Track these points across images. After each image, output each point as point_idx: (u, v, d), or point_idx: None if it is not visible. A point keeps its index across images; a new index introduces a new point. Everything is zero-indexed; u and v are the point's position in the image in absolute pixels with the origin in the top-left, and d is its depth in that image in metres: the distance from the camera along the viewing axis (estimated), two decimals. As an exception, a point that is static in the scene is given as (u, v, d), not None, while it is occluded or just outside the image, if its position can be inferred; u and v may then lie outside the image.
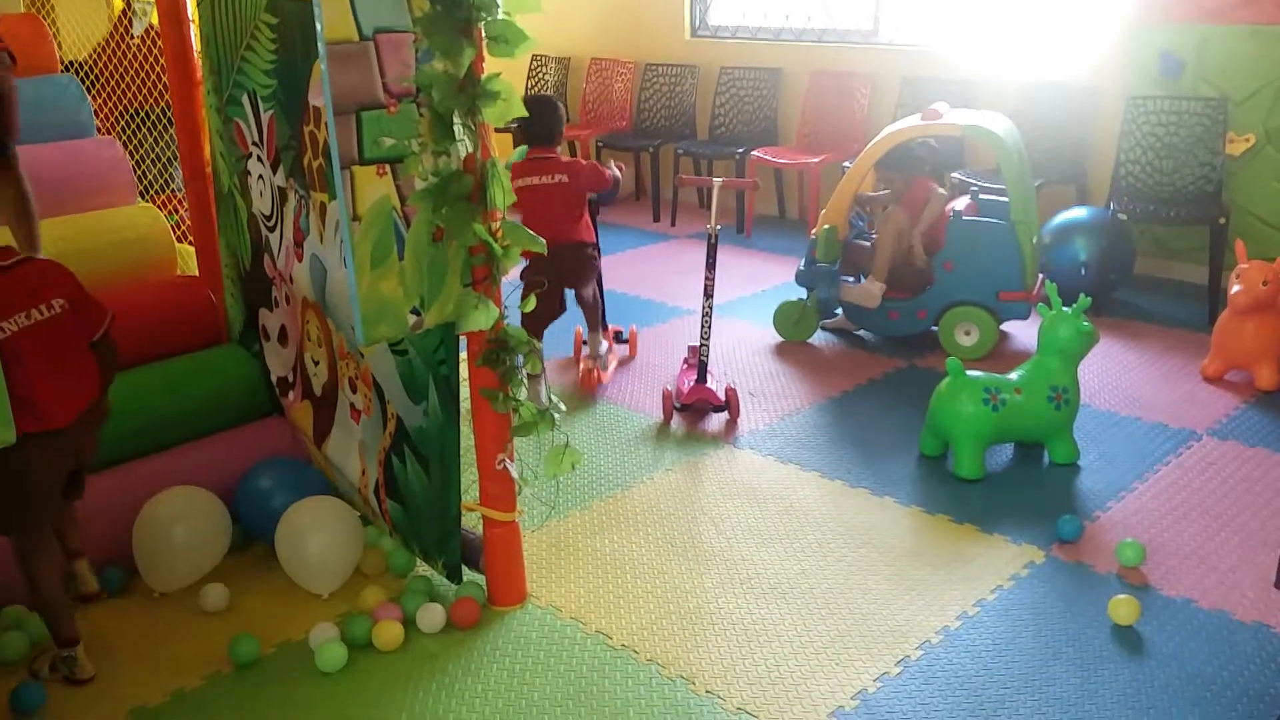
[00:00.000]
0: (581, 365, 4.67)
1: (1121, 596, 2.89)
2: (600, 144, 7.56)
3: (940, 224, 4.79)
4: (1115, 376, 4.52)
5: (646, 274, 6.08)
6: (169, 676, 2.74)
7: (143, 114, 5.24)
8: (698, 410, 4.21)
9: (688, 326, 5.16)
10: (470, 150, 2.55)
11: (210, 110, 3.43)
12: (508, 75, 2.57)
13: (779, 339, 5.01)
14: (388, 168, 2.55)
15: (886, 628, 2.88)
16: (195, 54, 3.47)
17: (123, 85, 5.22)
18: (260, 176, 3.19)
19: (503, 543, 2.97)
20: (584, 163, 4.59)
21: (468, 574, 3.06)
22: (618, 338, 5.00)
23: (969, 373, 3.68)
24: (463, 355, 2.82)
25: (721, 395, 4.16)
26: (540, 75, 8.20)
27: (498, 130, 2.82)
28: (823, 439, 4.00)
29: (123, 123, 5.26)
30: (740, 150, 6.91)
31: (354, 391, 3.12)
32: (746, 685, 2.67)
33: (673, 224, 7.13)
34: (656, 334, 5.16)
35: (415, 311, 2.63)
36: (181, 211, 4.52)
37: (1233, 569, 3.12)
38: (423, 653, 2.82)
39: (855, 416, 4.22)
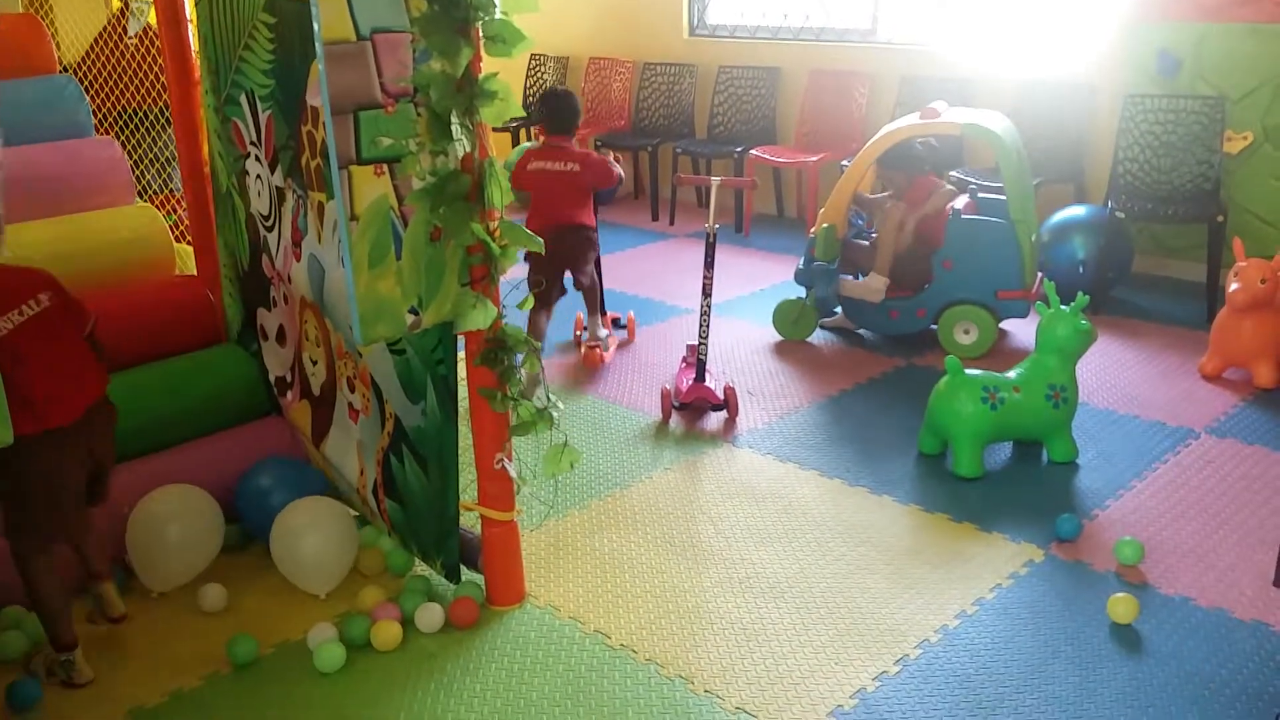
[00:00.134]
0: (583, 348, 4.83)
1: (1120, 595, 2.90)
2: (599, 143, 7.55)
3: (940, 222, 4.78)
4: (1113, 375, 4.52)
5: (645, 273, 6.08)
6: (167, 676, 2.74)
7: (140, 114, 5.24)
8: (696, 409, 4.21)
9: (686, 325, 5.16)
10: (468, 150, 2.55)
11: (208, 110, 3.42)
12: (506, 75, 2.57)
13: (778, 338, 5.01)
14: (385, 167, 2.55)
15: (885, 626, 2.88)
16: (193, 54, 3.46)
17: (120, 86, 5.22)
18: (258, 176, 3.19)
19: (501, 542, 2.97)
20: (596, 156, 4.84)
21: (466, 573, 3.06)
22: (615, 324, 5.14)
23: (968, 371, 3.68)
24: (461, 355, 2.82)
25: (720, 394, 4.16)
26: (539, 75, 8.20)
27: (495, 130, 2.82)
28: (821, 438, 4.00)
29: (119, 124, 5.26)
30: (739, 149, 6.91)
31: (352, 391, 3.12)
32: (745, 685, 2.67)
33: (671, 223, 7.13)
34: (655, 333, 5.16)
35: (413, 311, 2.63)
36: (180, 211, 4.51)
37: (1231, 567, 3.12)
38: (421, 652, 2.82)
39: (854, 415, 4.22)
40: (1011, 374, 3.70)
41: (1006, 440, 3.81)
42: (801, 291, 5.02)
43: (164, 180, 5.25)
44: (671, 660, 2.76)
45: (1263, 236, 5.31)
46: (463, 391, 2.82)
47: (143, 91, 5.18)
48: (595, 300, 4.91)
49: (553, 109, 4.85)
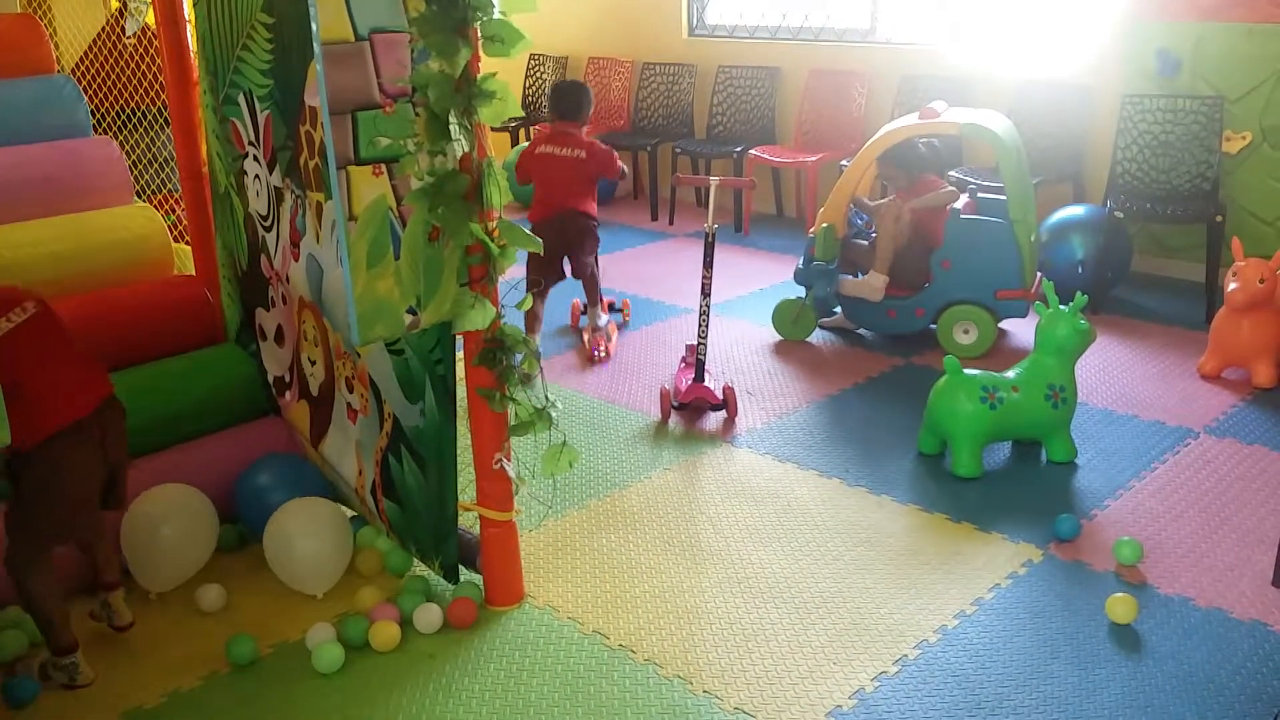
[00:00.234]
0: (586, 337, 4.94)
1: (1119, 595, 2.89)
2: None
3: (939, 221, 4.78)
4: (1112, 374, 4.52)
5: (644, 272, 6.08)
6: (165, 677, 2.74)
7: (138, 114, 5.23)
8: (695, 409, 4.21)
9: (685, 325, 5.16)
10: (466, 150, 2.55)
11: (206, 110, 3.42)
12: (505, 75, 2.57)
13: (777, 337, 5.01)
14: (384, 167, 2.55)
15: (884, 627, 2.88)
16: (191, 53, 3.46)
17: (118, 86, 5.22)
18: (257, 176, 3.19)
19: (500, 542, 2.97)
20: (602, 147, 4.97)
21: (465, 574, 3.06)
22: (611, 308, 5.27)
23: (966, 371, 3.68)
24: (459, 355, 2.82)
25: (719, 394, 4.16)
26: (538, 74, 8.19)
27: (494, 130, 2.82)
28: (820, 437, 4.00)
29: (118, 123, 5.25)
30: (738, 149, 6.91)
31: (351, 391, 3.12)
32: (744, 685, 2.67)
33: (670, 223, 7.13)
34: (654, 332, 5.16)
35: (411, 311, 2.63)
36: (178, 211, 4.51)
37: (1230, 567, 3.12)
38: (420, 653, 2.82)
39: (853, 415, 4.22)
40: (1010, 374, 3.70)
41: (1005, 440, 3.81)
42: (801, 291, 5.02)
43: (162, 180, 5.24)
44: (670, 660, 2.76)
45: (1261, 236, 5.31)
46: (461, 391, 2.82)
47: (141, 91, 5.18)
48: (595, 290, 5.01)
49: (562, 95, 4.98)
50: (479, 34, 2.50)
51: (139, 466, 3.21)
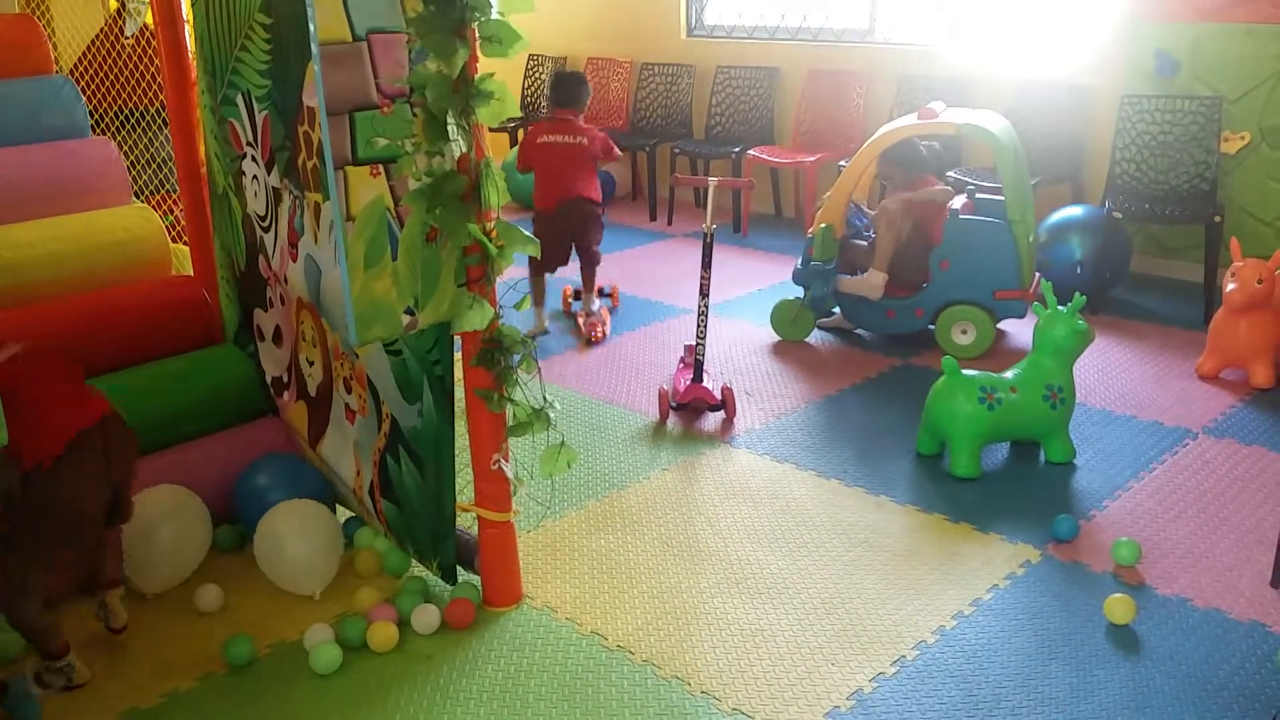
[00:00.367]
0: (581, 321, 5.14)
1: (1117, 595, 2.89)
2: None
3: (938, 221, 4.78)
4: (1111, 375, 4.52)
5: (643, 273, 6.08)
6: (163, 677, 2.73)
7: (137, 114, 5.23)
8: (694, 409, 4.21)
9: (684, 325, 5.16)
10: (464, 150, 2.55)
11: (204, 110, 3.42)
12: (503, 75, 2.57)
13: (775, 338, 5.01)
14: (381, 168, 2.54)
15: (882, 627, 2.88)
16: (190, 54, 3.46)
17: (116, 86, 5.22)
18: (255, 177, 3.18)
19: (498, 543, 2.97)
20: (600, 132, 5.24)
21: (463, 574, 3.05)
22: (601, 293, 5.49)
23: (965, 371, 3.68)
24: (457, 355, 2.82)
25: (717, 394, 4.16)
26: (537, 75, 8.19)
27: (492, 130, 2.82)
28: (819, 438, 4.00)
29: (116, 124, 5.25)
30: (736, 149, 6.91)
31: (349, 392, 3.12)
32: (742, 686, 2.67)
33: (669, 223, 7.13)
34: (652, 333, 5.16)
35: (409, 312, 2.63)
36: (176, 211, 4.51)
37: (1229, 568, 3.12)
38: (418, 654, 2.82)
39: (851, 415, 4.22)
40: (1009, 374, 3.70)
41: (1004, 441, 3.81)
42: (799, 292, 5.02)
43: (160, 180, 5.24)
44: (668, 661, 2.76)
45: (1260, 237, 5.31)
46: (459, 392, 2.82)
47: (139, 92, 5.17)
48: (594, 274, 5.24)
49: (561, 83, 5.23)
50: (476, 34, 2.50)
51: (138, 466, 3.21)
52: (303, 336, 3.27)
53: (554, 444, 2.86)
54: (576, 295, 5.40)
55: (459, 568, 3.03)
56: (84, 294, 3.50)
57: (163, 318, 3.60)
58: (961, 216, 4.72)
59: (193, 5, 3.29)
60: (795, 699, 2.62)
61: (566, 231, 5.08)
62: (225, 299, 3.68)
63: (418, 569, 3.14)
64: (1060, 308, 3.68)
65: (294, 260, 3.05)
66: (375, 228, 2.54)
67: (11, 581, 2.62)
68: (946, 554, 3.22)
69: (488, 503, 2.92)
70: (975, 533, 3.34)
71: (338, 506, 3.35)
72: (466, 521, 3.11)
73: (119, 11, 5.32)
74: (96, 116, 5.13)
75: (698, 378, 4.20)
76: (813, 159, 6.54)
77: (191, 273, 3.82)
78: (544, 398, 2.87)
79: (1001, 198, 4.72)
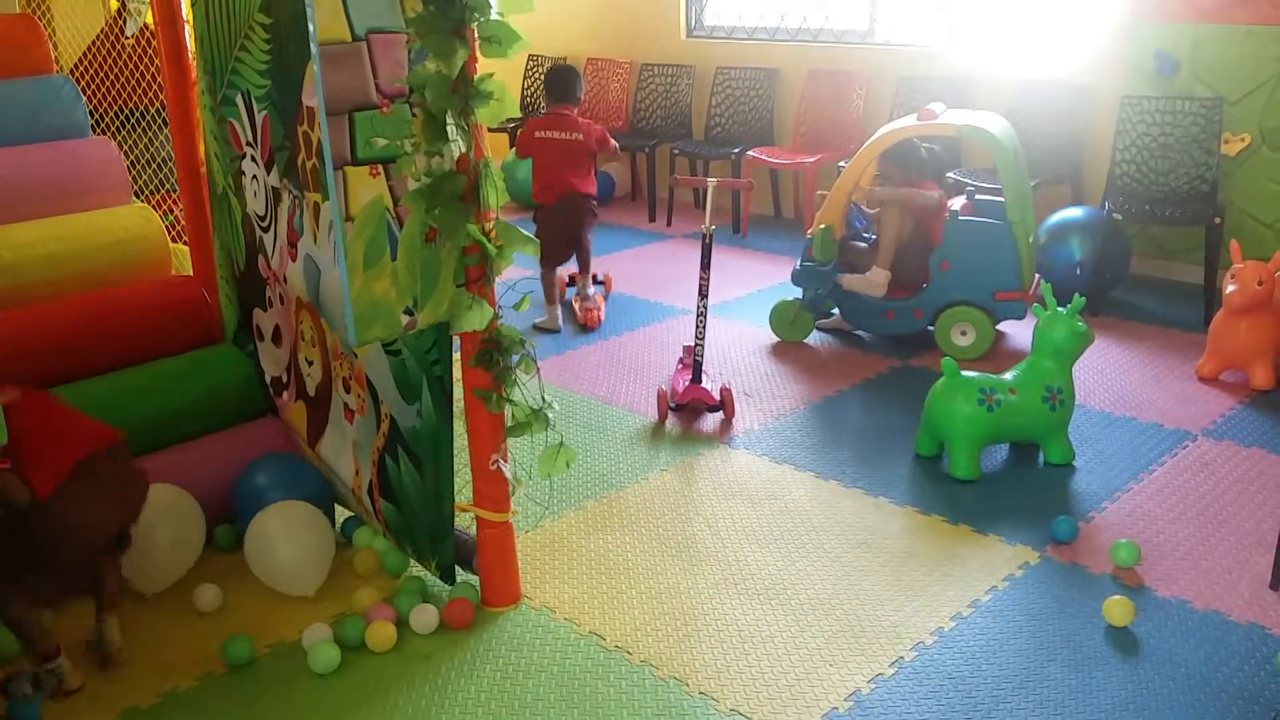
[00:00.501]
0: (577, 307, 5.32)
1: (1116, 597, 2.89)
2: (596, 143, 7.56)
3: (938, 221, 4.78)
4: (1110, 377, 4.52)
5: (642, 273, 6.08)
6: (162, 677, 2.73)
7: (137, 114, 5.23)
8: (693, 410, 4.21)
9: (683, 326, 5.16)
10: (463, 151, 2.55)
11: (204, 110, 3.42)
12: (503, 75, 2.57)
13: (774, 339, 5.01)
14: (380, 168, 2.55)
15: (881, 629, 2.88)
16: (190, 54, 3.46)
17: (116, 86, 5.22)
18: (254, 177, 3.18)
19: (496, 543, 2.97)
20: (596, 127, 5.35)
21: (461, 575, 3.05)
22: (594, 280, 5.63)
23: (964, 373, 3.68)
24: (456, 355, 2.82)
25: (716, 395, 4.16)
26: (536, 75, 8.19)
27: (491, 130, 2.83)
28: (817, 439, 4.00)
29: (116, 124, 5.25)
30: (736, 150, 6.90)
31: (348, 392, 3.12)
32: (740, 686, 2.66)
33: (668, 224, 7.13)
34: (652, 334, 5.16)
35: (408, 312, 2.63)
36: (176, 211, 4.51)
37: (1228, 570, 3.12)
38: (416, 654, 2.82)
39: (850, 417, 4.22)
40: (1008, 376, 3.70)
41: (1003, 442, 3.81)
42: (798, 292, 5.02)
43: (160, 180, 5.25)
44: (666, 662, 2.76)
45: (1260, 238, 5.31)
46: (458, 392, 2.82)
47: (139, 91, 5.17)
48: (587, 261, 5.38)
49: (555, 78, 5.35)
50: (476, 34, 2.50)
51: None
52: (302, 336, 3.27)
53: (553, 444, 2.86)
54: (571, 281, 5.57)
55: (457, 568, 3.03)
56: (84, 294, 3.50)
57: (162, 318, 3.60)
58: (961, 218, 4.72)
59: (193, 5, 3.29)
60: (793, 700, 2.61)
61: (565, 226, 5.22)
62: (225, 299, 3.68)
63: (416, 569, 3.14)
64: (1060, 309, 3.68)
65: (293, 260, 3.05)
66: (374, 228, 2.54)
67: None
68: (945, 555, 3.22)
69: (486, 503, 2.92)
70: (974, 534, 3.34)
71: (337, 506, 3.35)
72: (465, 521, 3.11)
73: (119, 11, 5.31)
74: (97, 116, 5.13)
75: (696, 378, 4.20)
76: (812, 160, 6.54)
77: (191, 272, 3.82)
78: (543, 398, 2.87)
79: (1001, 199, 4.72)
